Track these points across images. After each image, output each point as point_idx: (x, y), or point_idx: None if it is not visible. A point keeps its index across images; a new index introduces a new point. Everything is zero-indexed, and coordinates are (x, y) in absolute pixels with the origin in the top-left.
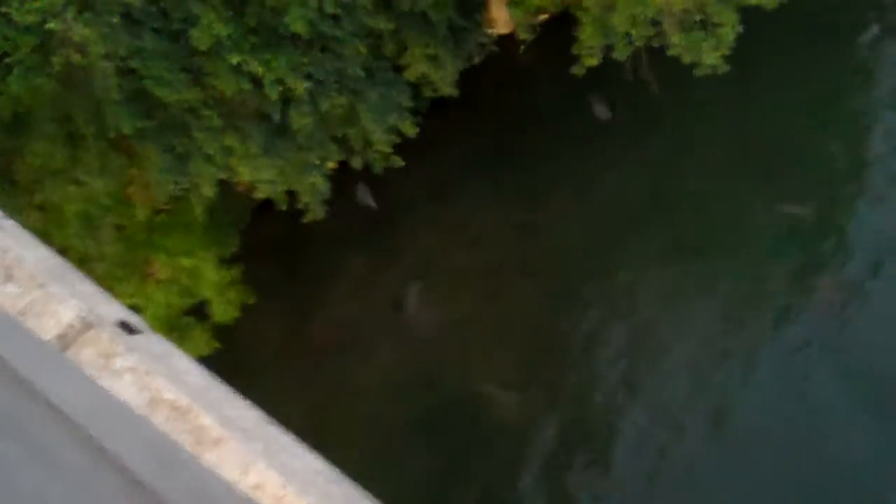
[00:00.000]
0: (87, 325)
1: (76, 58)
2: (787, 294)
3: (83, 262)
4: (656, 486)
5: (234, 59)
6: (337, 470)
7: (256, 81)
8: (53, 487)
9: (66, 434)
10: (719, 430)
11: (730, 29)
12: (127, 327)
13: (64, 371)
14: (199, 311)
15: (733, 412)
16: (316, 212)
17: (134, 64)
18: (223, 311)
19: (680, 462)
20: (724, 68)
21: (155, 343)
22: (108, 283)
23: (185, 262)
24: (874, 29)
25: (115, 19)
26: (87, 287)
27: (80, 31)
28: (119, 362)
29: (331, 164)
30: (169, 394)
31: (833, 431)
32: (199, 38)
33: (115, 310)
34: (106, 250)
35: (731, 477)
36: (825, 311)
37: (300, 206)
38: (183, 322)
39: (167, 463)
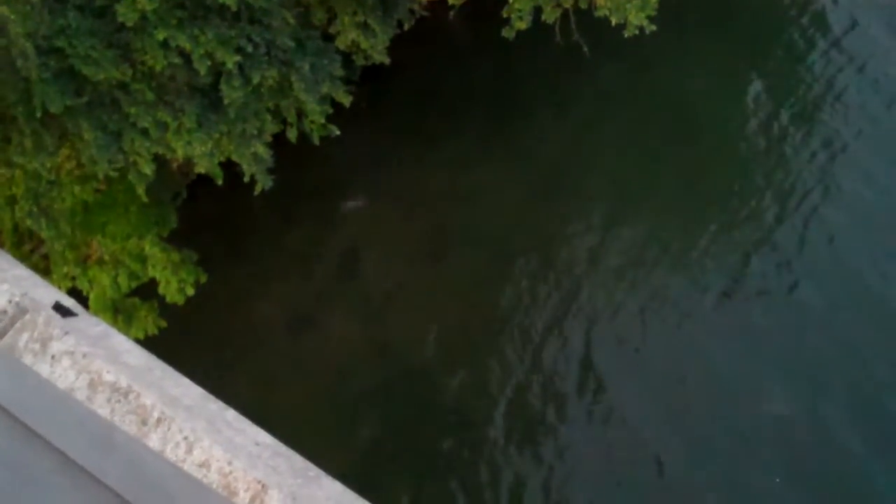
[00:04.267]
0: (21, 310)
1: None
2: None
3: (17, 246)
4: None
5: (161, 35)
6: (283, 444)
7: (185, 56)
8: None
9: None
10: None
11: None
12: (62, 309)
13: None
14: (142, 292)
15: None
16: (264, 181)
17: (59, 43)
18: (175, 290)
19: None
20: (651, 28)
21: (92, 325)
22: (52, 264)
23: (130, 243)
24: None
25: None
26: (20, 271)
27: None
28: (56, 346)
29: (267, 137)
30: (109, 375)
31: None
32: (125, 14)
33: (49, 293)
34: (61, 229)
35: None
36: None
37: (246, 179)
38: (128, 303)
39: (102, 444)
